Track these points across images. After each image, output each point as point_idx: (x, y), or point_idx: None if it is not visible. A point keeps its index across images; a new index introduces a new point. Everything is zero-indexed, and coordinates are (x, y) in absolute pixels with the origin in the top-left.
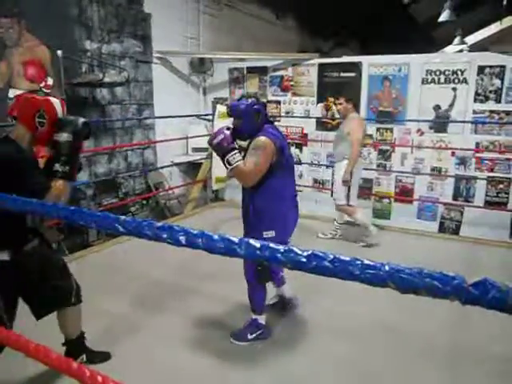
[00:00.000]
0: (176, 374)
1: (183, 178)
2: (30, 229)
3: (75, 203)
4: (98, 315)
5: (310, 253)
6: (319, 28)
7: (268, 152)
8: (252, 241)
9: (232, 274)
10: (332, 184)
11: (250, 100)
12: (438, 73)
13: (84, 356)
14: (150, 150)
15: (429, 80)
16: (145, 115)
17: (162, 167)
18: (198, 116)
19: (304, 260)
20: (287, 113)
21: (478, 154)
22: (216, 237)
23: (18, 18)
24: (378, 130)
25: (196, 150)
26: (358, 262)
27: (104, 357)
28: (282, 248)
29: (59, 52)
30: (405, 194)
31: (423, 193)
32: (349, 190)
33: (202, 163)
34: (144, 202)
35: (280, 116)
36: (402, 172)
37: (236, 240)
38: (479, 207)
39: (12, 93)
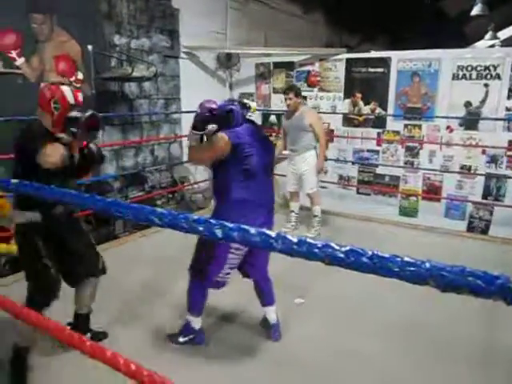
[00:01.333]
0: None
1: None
2: None
3: (102, 195)
4: (116, 301)
5: (348, 248)
6: (347, 23)
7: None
8: (289, 236)
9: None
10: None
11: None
12: (469, 68)
13: (89, 334)
14: (176, 145)
15: (460, 76)
16: (172, 110)
17: (187, 161)
18: None
19: (342, 256)
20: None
21: (510, 153)
22: (253, 231)
23: (50, 14)
24: (405, 126)
25: None
26: (398, 259)
27: (104, 336)
28: (319, 243)
29: (89, 47)
30: (433, 191)
31: (452, 191)
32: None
33: None
34: (170, 195)
35: None
36: (430, 169)
37: (273, 234)
38: (510, 207)
39: None
